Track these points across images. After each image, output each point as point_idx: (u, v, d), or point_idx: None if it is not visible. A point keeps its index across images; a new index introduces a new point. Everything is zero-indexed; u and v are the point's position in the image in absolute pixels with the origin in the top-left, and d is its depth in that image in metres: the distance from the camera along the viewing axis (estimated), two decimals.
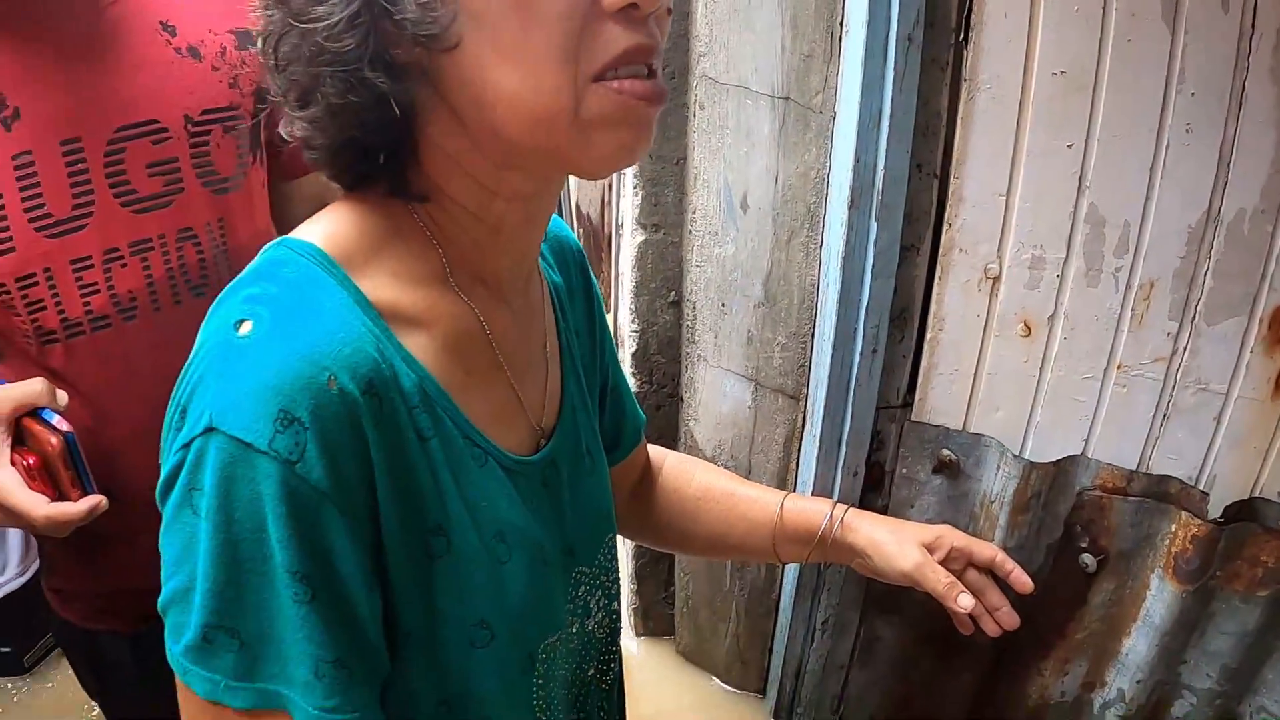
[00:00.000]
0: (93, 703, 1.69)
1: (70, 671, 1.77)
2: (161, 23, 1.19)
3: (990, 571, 1.16)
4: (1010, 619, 1.13)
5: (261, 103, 1.27)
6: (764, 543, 1.15)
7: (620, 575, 1.02)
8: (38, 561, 1.76)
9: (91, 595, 1.43)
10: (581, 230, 2.99)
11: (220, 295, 0.71)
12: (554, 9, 0.62)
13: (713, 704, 1.75)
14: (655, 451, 1.20)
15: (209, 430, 0.63)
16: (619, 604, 1.02)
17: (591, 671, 0.98)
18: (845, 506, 1.15)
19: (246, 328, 0.65)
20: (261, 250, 0.74)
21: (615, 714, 1.07)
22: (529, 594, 0.81)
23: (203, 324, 0.70)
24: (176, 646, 0.68)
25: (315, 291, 0.69)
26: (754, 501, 1.16)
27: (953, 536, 1.14)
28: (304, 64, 0.67)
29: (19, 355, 1.21)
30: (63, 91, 1.14)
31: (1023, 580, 1.14)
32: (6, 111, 1.11)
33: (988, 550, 1.15)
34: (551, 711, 0.89)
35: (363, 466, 0.67)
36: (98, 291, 1.18)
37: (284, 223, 1.37)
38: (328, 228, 0.74)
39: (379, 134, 0.70)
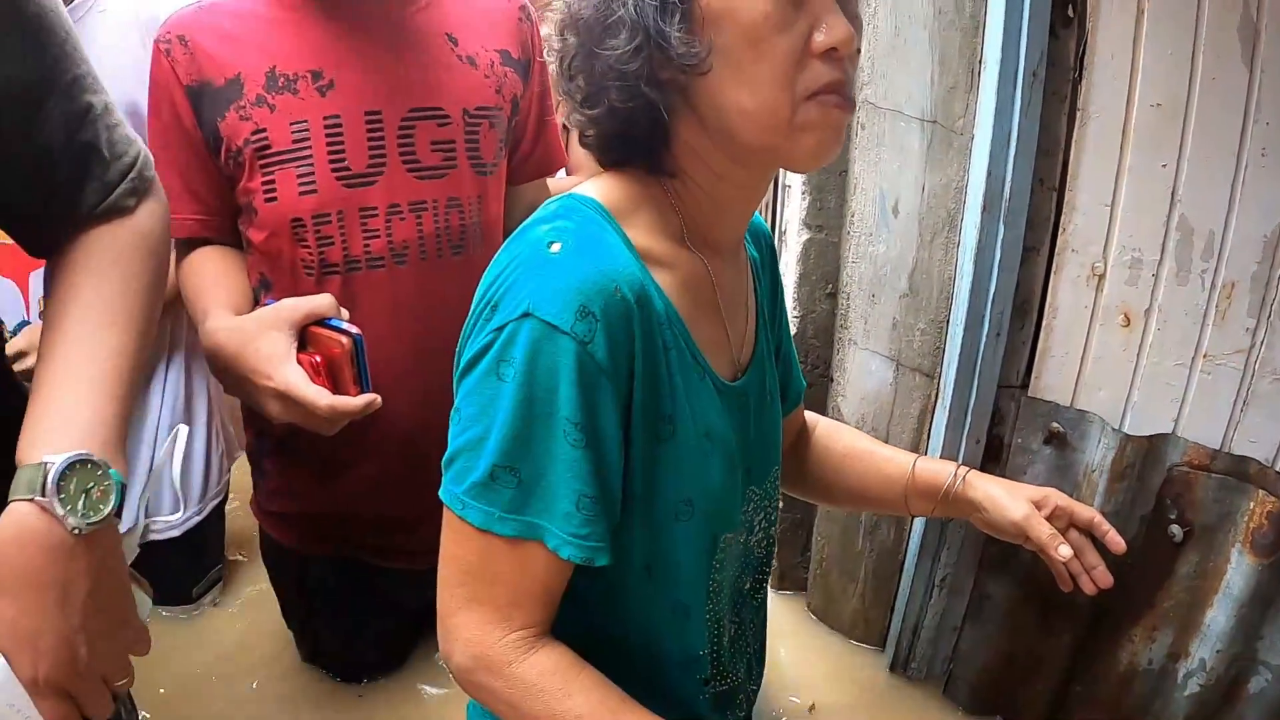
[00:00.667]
0: (260, 630, 1.86)
1: (236, 603, 1.99)
2: (448, 34, 1.41)
3: (1089, 535, 1.24)
4: (1105, 578, 1.21)
5: (515, 110, 1.48)
6: (897, 496, 1.29)
7: (779, 504, 1.16)
8: (216, 500, 1.93)
9: (305, 518, 1.56)
10: None
11: (521, 228, 0.93)
12: (778, 50, 0.83)
13: (835, 654, 1.90)
14: (810, 416, 1.36)
15: (525, 315, 0.82)
16: (775, 530, 1.17)
17: (748, 585, 1.14)
18: (967, 468, 1.27)
19: (556, 247, 0.85)
20: (549, 200, 0.95)
21: (760, 631, 1.22)
22: (723, 485, 0.99)
23: (505, 248, 0.92)
24: (460, 487, 0.86)
25: (599, 230, 0.89)
26: (890, 460, 1.30)
27: (1057, 497, 1.24)
28: (593, 77, 0.89)
29: (287, 288, 1.38)
30: (371, 72, 1.34)
31: (1117, 540, 1.22)
32: (323, 81, 1.32)
33: (1087, 512, 1.24)
34: (720, 600, 1.05)
35: (629, 357, 0.86)
36: (378, 237, 1.36)
37: (505, 218, 1.54)
38: (602, 188, 0.95)
39: (644, 129, 0.91)
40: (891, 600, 1.83)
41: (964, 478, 1.25)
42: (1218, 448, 1.35)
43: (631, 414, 0.88)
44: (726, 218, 0.98)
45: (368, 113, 1.34)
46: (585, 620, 0.97)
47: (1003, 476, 1.45)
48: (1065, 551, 1.20)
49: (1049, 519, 1.22)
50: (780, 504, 1.17)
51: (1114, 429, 1.41)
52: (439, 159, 1.38)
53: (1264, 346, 1.29)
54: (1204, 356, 1.33)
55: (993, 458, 1.59)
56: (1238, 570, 1.35)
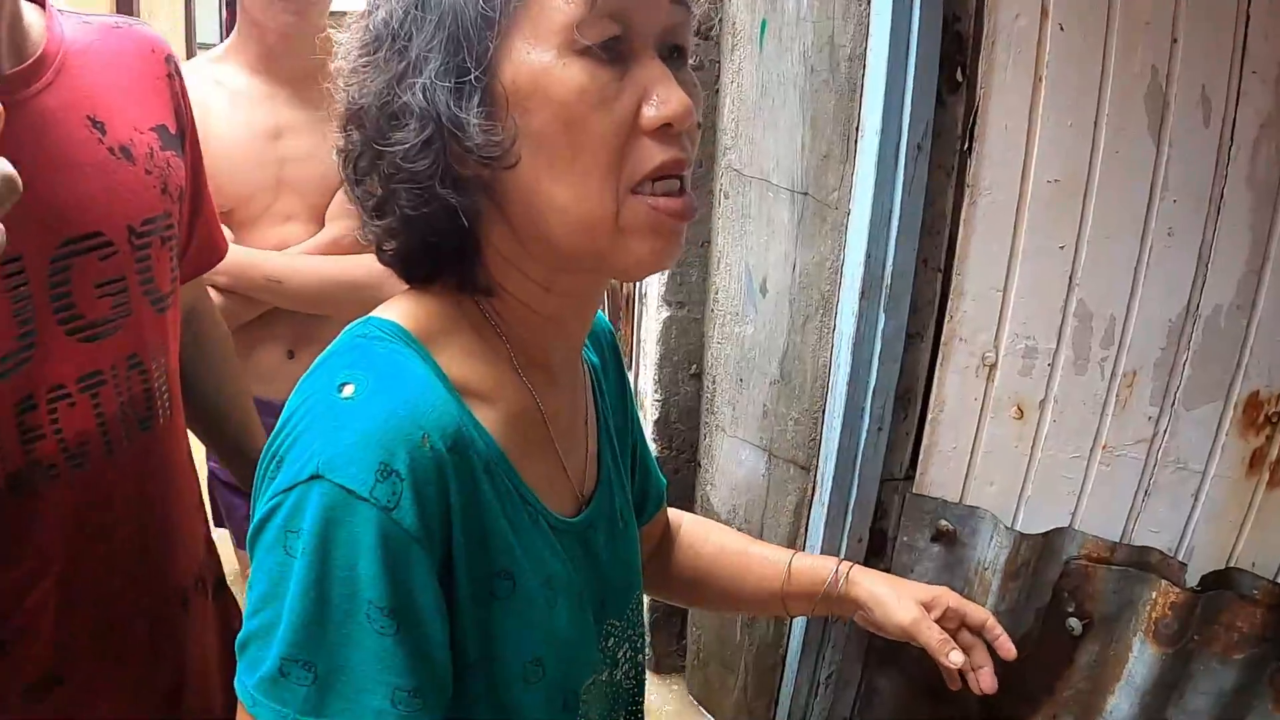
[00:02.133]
0: None
1: None
2: (89, 118, 0.96)
3: (981, 633, 1.12)
4: (989, 682, 1.09)
5: (182, 204, 1.08)
6: (773, 597, 1.14)
7: (644, 630, 1.03)
8: None
9: None
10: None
11: (315, 364, 0.73)
12: (599, 129, 0.66)
13: None
14: (673, 514, 1.19)
15: (314, 477, 0.64)
16: (644, 657, 1.02)
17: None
18: (850, 564, 1.13)
19: (349, 390, 0.67)
20: (346, 327, 0.76)
21: None
22: (573, 634, 0.83)
23: (298, 389, 0.72)
24: (251, 679, 0.67)
25: (404, 362, 0.71)
26: (764, 559, 1.15)
27: (949, 598, 1.12)
28: (381, 180, 0.70)
29: None
30: None
31: (1007, 647, 1.11)
32: None
33: (980, 614, 1.12)
34: None
35: (444, 514, 0.69)
36: (43, 438, 0.92)
37: None
38: (407, 309, 0.76)
39: (447, 239, 0.73)
40: (775, 694, 1.66)
41: (847, 575, 1.12)
42: (1118, 539, 1.27)
43: (455, 578, 0.71)
44: (559, 335, 0.82)
45: (2, 262, 0.88)
46: None
47: (888, 573, 1.31)
48: (957, 658, 1.08)
49: (939, 620, 1.10)
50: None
51: (1007, 526, 1.30)
52: (108, 307, 0.95)
53: (1167, 435, 1.21)
54: (1103, 448, 1.25)
55: (876, 553, 1.44)
56: (1140, 659, 1.27)
